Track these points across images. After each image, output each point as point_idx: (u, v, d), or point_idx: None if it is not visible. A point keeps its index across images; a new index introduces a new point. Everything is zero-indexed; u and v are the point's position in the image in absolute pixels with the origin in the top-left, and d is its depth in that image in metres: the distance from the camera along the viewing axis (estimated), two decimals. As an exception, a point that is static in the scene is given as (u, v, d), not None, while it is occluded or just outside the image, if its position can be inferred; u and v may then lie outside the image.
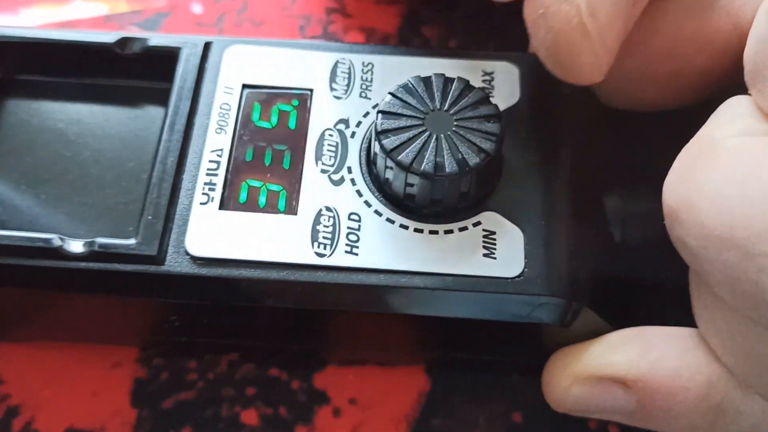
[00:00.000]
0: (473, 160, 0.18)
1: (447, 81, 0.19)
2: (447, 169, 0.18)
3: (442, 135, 0.19)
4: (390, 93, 0.19)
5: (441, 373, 0.23)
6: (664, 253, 0.19)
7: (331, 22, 0.29)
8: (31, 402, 0.22)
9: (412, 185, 0.19)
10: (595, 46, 0.18)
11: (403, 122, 0.19)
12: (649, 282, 0.21)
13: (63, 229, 0.19)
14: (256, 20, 0.29)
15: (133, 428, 0.22)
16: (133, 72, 0.22)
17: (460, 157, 0.18)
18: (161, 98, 0.21)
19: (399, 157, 0.18)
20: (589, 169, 0.21)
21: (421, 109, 0.19)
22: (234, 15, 0.29)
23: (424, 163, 0.18)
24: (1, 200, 0.20)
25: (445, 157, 0.18)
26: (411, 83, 0.19)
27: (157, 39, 0.21)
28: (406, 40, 0.29)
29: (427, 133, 0.19)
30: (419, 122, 0.19)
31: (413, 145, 0.19)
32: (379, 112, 0.19)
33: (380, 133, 0.19)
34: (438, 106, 0.19)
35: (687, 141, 0.18)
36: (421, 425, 0.22)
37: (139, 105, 0.22)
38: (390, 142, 0.19)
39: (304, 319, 0.20)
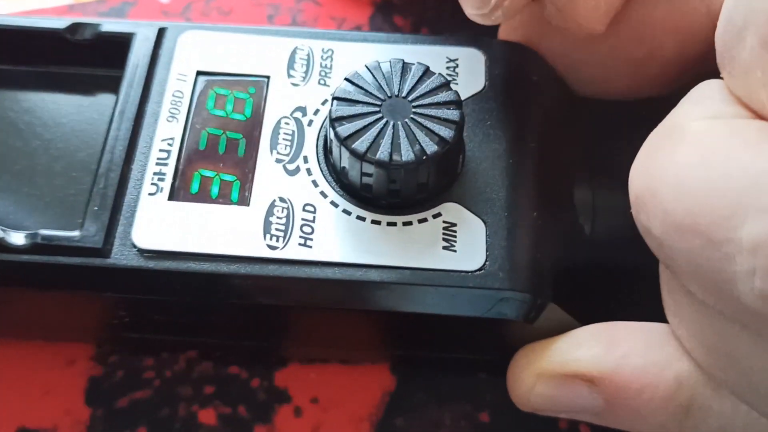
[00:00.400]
0: (431, 148, 0.18)
1: (405, 66, 0.19)
2: (403, 158, 0.18)
3: (399, 122, 0.18)
4: (346, 79, 0.19)
5: (406, 372, 0.22)
6: (634, 246, 0.18)
7: (301, 10, 0.29)
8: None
9: (368, 174, 0.18)
10: None
11: (359, 109, 0.18)
12: (620, 276, 0.21)
13: (8, 221, 0.19)
14: (224, 9, 0.29)
15: (87, 428, 0.21)
16: (84, 59, 0.21)
17: (417, 145, 0.18)
18: (114, 86, 0.21)
19: (353, 146, 0.18)
20: (558, 160, 0.21)
21: (378, 95, 0.18)
22: (201, 4, 0.29)
23: (380, 152, 0.18)
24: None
25: (402, 145, 0.18)
26: (369, 68, 0.19)
27: (109, 25, 0.21)
28: (378, 29, 0.29)
29: (384, 121, 0.18)
30: (376, 109, 0.18)
31: (368, 133, 0.18)
32: (334, 98, 0.19)
33: (335, 120, 0.18)
34: (396, 93, 0.18)
35: (660, 131, 0.17)
36: (385, 425, 0.21)
37: (91, 93, 0.21)
38: (344, 129, 0.18)
39: (260, 315, 0.19)
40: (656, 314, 0.18)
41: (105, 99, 0.21)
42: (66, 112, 0.21)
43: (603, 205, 0.21)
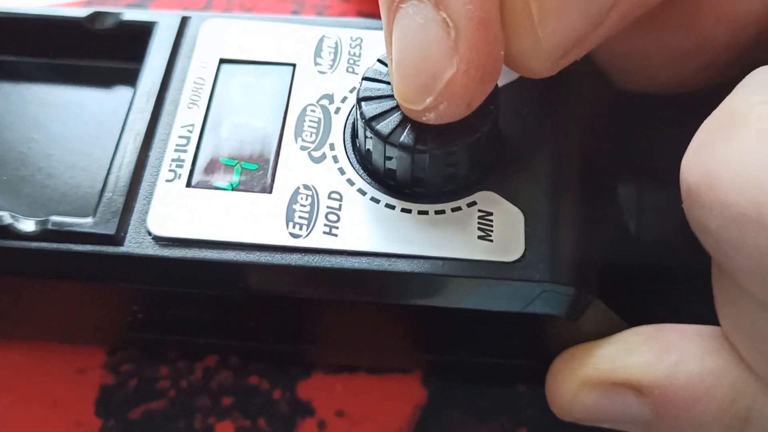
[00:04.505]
0: (460, 136, 0.18)
1: None
2: (428, 144, 0.18)
3: None
4: (378, 60, 0.19)
5: (438, 383, 0.22)
6: (683, 244, 0.18)
7: (327, 6, 0.29)
8: (-13, 408, 0.22)
9: (391, 159, 0.18)
10: (536, 31, 0.17)
11: (388, 90, 0.18)
12: (668, 275, 0.21)
13: (23, 209, 0.19)
14: (246, 5, 0.29)
15: (97, 440, 0.21)
16: (105, 50, 0.22)
17: (445, 132, 0.18)
18: (134, 79, 0.21)
19: (377, 127, 0.18)
20: (599, 153, 0.21)
21: None
22: (224, 0, 0.30)
23: (404, 135, 0.18)
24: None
25: (429, 130, 0.18)
26: None
27: (131, 13, 0.21)
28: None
29: None
30: None
31: (395, 115, 0.18)
32: (363, 78, 0.19)
33: (362, 100, 0.18)
34: None
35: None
36: (416, 441, 0.21)
37: (111, 86, 0.22)
38: (370, 109, 0.18)
39: (281, 310, 0.19)
40: (706, 316, 0.18)
41: (125, 91, 0.22)
42: (85, 104, 0.22)
43: (648, 202, 0.21)
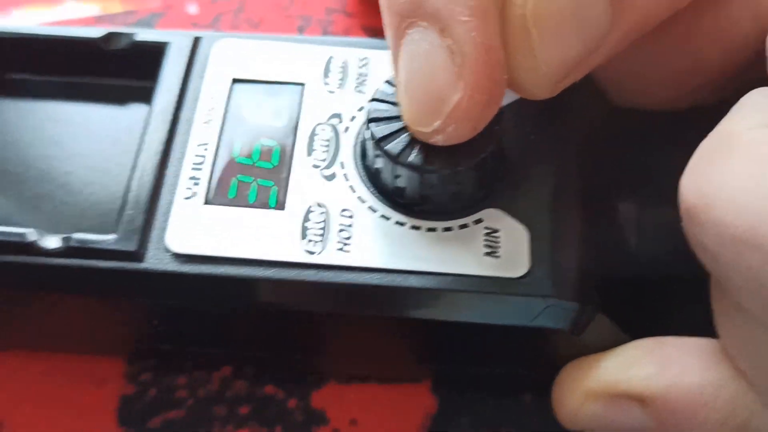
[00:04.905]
0: (467, 157, 0.19)
1: None
2: (436, 164, 0.18)
3: None
4: (386, 81, 0.20)
5: (448, 392, 0.22)
6: (683, 258, 0.19)
7: (332, 22, 0.30)
8: (11, 419, 0.22)
9: (400, 177, 0.19)
10: (536, 55, 0.17)
11: (396, 111, 0.19)
12: (668, 288, 0.21)
13: (43, 226, 0.20)
14: (253, 20, 0.30)
15: (119, 448, 0.22)
16: (119, 69, 0.22)
17: (452, 152, 0.19)
18: (148, 97, 0.22)
19: (387, 147, 0.19)
20: (599, 169, 0.21)
21: None
22: (231, 15, 0.30)
23: (413, 155, 0.19)
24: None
25: (436, 150, 0.19)
26: None
27: (144, 34, 0.22)
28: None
29: None
30: None
31: (404, 136, 0.19)
32: (372, 99, 0.20)
33: (371, 120, 0.19)
34: None
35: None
36: (426, 447, 0.22)
37: (125, 104, 0.23)
38: (380, 130, 0.19)
39: (296, 324, 0.20)
40: (706, 328, 0.18)
41: (138, 110, 0.23)
42: (100, 122, 0.22)
43: (648, 218, 0.21)
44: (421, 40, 0.17)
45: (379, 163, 0.19)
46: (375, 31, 0.30)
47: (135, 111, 0.23)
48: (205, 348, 0.21)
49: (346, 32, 0.30)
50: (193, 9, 0.30)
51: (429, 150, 0.19)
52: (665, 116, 0.22)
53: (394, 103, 0.19)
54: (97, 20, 0.30)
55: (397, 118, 0.19)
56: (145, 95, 0.22)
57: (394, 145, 0.19)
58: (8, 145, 0.22)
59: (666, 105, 0.22)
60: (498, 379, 0.22)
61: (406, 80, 0.18)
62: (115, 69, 0.22)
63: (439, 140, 0.18)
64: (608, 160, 0.22)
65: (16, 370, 0.23)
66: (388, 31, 0.18)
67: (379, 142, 0.19)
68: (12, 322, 0.21)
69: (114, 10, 0.30)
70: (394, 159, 0.19)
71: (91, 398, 0.22)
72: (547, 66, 0.18)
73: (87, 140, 0.22)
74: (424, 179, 0.19)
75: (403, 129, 0.19)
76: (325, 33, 0.30)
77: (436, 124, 0.18)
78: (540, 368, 0.21)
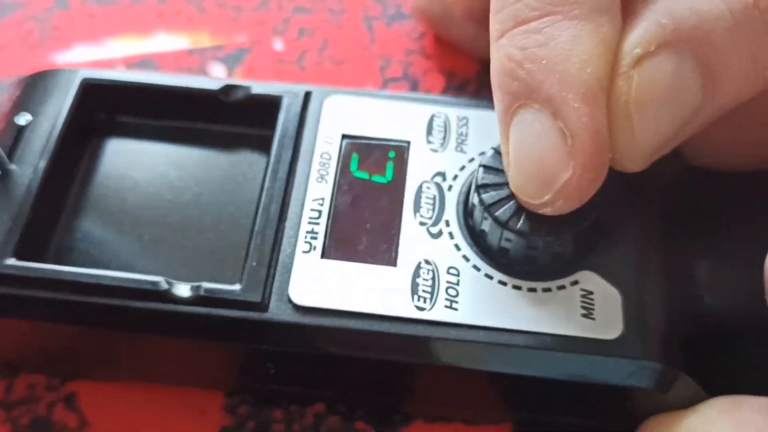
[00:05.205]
0: (571, 225, 0.20)
1: None
2: (542, 231, 0.20)
3: None
4: (493, 148, 0.21)
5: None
6: (755, 318, 0.20)
7: (411, 63, 0.32)
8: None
9: (508, 241, 0.20)
10: (635, 135, 0.19)
11: (503, 178, 0.21)
12: (745, 345, 0.23)
13: (163, 271, 0.21)
14: (336, 59, 0.31)
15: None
16: (234, 118, 0.24)
17: (557, 220, 0.20)
18: (260, 145, 0.23)
19: (497, 213, 0.20)
20: (678, 229, 0.23)
21: None
22: (315, 53, 0.32)
23: (521, 223, 0.20)
24: (104, 240, 0.23)
25: (542, 218, 0.20)
26: None
27: (259, 87, 0.24)
28: (484, 84, 0.31)
29: None
30: None
31: (511, 203, 0.20)
32: (481, 165, 0.21)
33: (480, 187, 0.21)
34: None
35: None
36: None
37: (239, 151, 0.24)
38: (489, 197, 0.20)
39: (400, 372, 0.21)
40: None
41: (251, 157, 0.24)
42: (215, 168, 0.24)
43: (722, 277, 0.23)
44: (534, 121, 0.19)
45: (486, 226, 0.21)
46: (452, 74, 0.31)
47: (248, 158, 0.24)
48: (307, 389, 0.23)
49: (425, 73, 0.31)
50: (278, 45, 0.32)
51: (535, 216, 0.20)
52: (738, 177, 0.24)
53: (500, 170, 0.21)
54: (189, 54, 0.31)
55: (504, 185, 0.20)
56: (258, 143, 0.24)
57: (503, 212, 0.20)
58: (128, 188, 0.24)
59: (741, 168, 0.24)
60: (576, 429, 0.23)
61: (516, 156, 0.19)
62: (230, 117, 0.24)
63: (547, 211, 0.20)
64: (687, 219, 0.23)
65: (121, 399, 0.24)
66: (499, 108, 0.20)
67: (489, 207, 0.20)
68: (126, 360, 0.23)
69: (203, 44, 0.32)
70: (504, 225, 0.20)
71: (193, 428, 0.24)
72: (644, 145, 0.19)
73: (202, 185, 0.24)
74: (530, 245, 0.20)
75: (510, 197, 0.20)
76: (405, 74, 0.31)
77: (546, 197, 0.19)
78: (619, 421, 0.22)
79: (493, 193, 0.21)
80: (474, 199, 0.21)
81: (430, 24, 0.31)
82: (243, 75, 0.31)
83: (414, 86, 0.31)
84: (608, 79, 0.19)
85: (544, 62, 0.18)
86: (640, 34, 0.19)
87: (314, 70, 0.31)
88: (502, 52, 0.19)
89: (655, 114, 0.19)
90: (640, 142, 0.19)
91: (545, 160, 0.19)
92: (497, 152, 0.21)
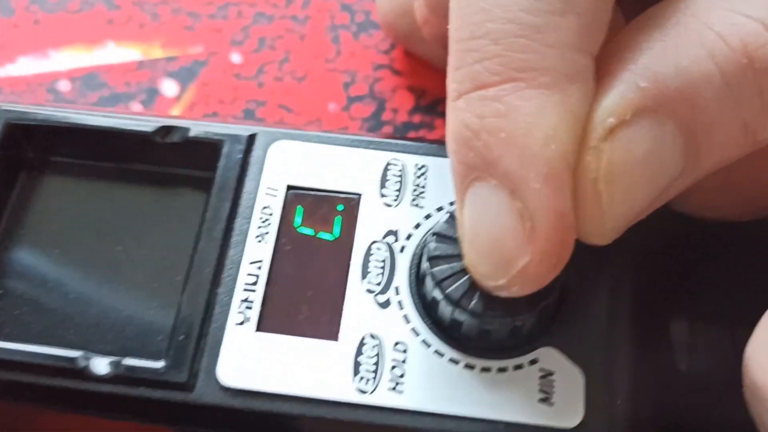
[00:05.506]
0: (530, 304, 0.18)
1: None
2: (497, 311, 0.18)
3: None
4: (448, 212, 0.19)
5: None
6: (733, 388, 0.18)
7: (379, 79, 0.29)
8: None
9: (459, 317, 0.18)
10: (604, 212, 0.17)
11: (458, 248, 0.19)
12: (716, 419, 0.21)
13: (87, 339, 0.19)
14: (297, 74, 0.29)
15: None
16: (171, 159, 0.22)
17: (514, 300, 0.18)
18: (201, 186, 0.21)
19: (448, 291, 0.18)
20: (655, 290, 0.21)
21: None
22: (275, 66, 0.29)
23: (474, 302, 0.18)
24: (23, 300, 0.21)
25: (497, 297, 0.18)
26: None
27: (198, 128, 0.21)
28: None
29: None
30: None
31: (465, 277, 0.18)
32: (434, 233, 0.19)
33: (432, 259, 0.19)
34: None
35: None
36: None
37: (177, 193, 0.22)
38: (441, 271, 0.19)
39: None
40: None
41: (191, 200, 0.22)
42: (151, 212, 0.22)
43: (701, 340, 0.21)
44: (490, 197, 0.17)
45: (437, 298, 0.19)
46: (422, 92, 0.29)
47: (187, 201, 0.22)
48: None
49: (393, 91, 0.29)
50: (236, 58, 0.29)
51: (490, 295, 0.18)
52: (723, 227, 0.22)
53: (454, 238, 0.19)
54: (139, 66, 0.29)
55: (458, 257, 0.18)
56: (199, 184, 0.22)
57: (455, 290, 0.18)
58: (51, 234, 0.22)
59: (730, 218, 0.22)
60: None
61: (471, 234, 0.17)
62: (167, 159, 0.22)
63: (502, 294, 0.18)
64: (663, 274, 0.21)
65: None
66: (454, 176, 0.18)
67: (440, 283, 0.18)
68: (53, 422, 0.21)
69: (155, 55, 0.29)
70: (456, 303, 0.18)
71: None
72: (614, 222, 0.17)
73: (136, 234, 0.22)
74: (483, 325, 0.18)
75: (464, 271, 0.18)
76: (372, 91, 0.29)
77: (501, 281, 0.17)
78: None
79: (445, 266, 0.19)
80: (424, 265, 0.19)
81: (399, 40, 0.29)
82: (196, 92, 0.29)
83: (380, 106, 0.29)
84: (575, 155, 0.17)
85: (502, 135, 0.16)
86: (614, 101, 0.17)
87: (273, 87, 0.29)
88: (459, 117, 0.17)
89: (628, 189, 0.17)
90: (609, 220, 0.17)
91: (501, 242, 0.17)
92: (452, 217, 0.19)
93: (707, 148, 0.17)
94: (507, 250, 0.17)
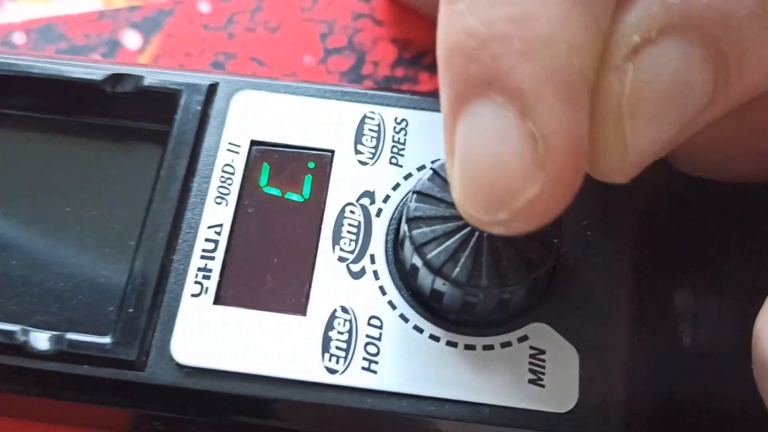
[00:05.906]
0: (517, 274, 0.16)
1: None
2: (483, 281, 0.16)
3: (485, 235, 0.16)
4: (432, 168, 0.17)
5: None
6: (740, 363, 0.17)
7: (358, 30, 0.27)
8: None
9: (441, 287, 0.17)
10: (626, 143, 0.15)
11: (441, 210, 0.17)
12: (721, 399, 0.19)
13: (30, 311, 0.17)
14: (271, 24, 0.27)
15: None
16: (124, 111, 0.20)
17: (502, 267, 0.16)
18: (157, 141, 0.19)
19: (429, 256, 0.16)
20: (656, 258, 0.19)
21: None
22: (246, 16, 0.27)
23: (457, 270, 0.16)
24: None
25: (484, 264, 0.16)
26: None
27: (153, 77, 0.19)
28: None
29: (468, 230, 0.16)
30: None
31: (448, 242, 0.16)
32: (414, 192, 0.17)
33: (411, 220, 0.17)
34: None
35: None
36: None
37: (131, 149, 0.20)
38: (421, 234, 0.16)
39: None
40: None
41: (146, 156, 0.19)
42: (104, 169, 0.20)
43: (707, 313, 0.19)
44: (493, 118, 0.14)
45: (417, 266, 0.17)
46: (406, 43, 0.27)
47: (142, 157, 0.20)
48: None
49: (374, 43, 0.27)
50: (204, 7, 0.27)
51: (476, 263, 0.16)
52: (731, 187, 0.20)
53: (438, 198, 0.17)
54: (99, 16, 0.27)
55: (442, 219, 0.16)
56: (155, 138, 0.19)
57: (436, 256, 0.16)
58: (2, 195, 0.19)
59: (742, 179, 0.20)
60: None
61: (464, 161, 0.15)
62: (120, 111, 0.20)
63: (498, 231, 0.15)
64: (668, 242, 0.19)
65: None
66: (446, 96, 0.15)
67: (420, 248, 0.16)
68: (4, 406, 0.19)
69: (117, 4, 0.27)
70: (436, 271, 0.16)
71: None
72: (636, 154, 0.15)
73: (88, 193, 0.19)
74: (467, 295, 0.16)
75: (449, 234, 0.16)
76: (351, 43, 0.27)
77: (501, 216, 0.15)
78: None
79: (426, 229, 0.17)
80: (403, 227, 0.17)
81: None
82: (160, 44, 0.26)
83: (360, 59, 0.26)
84: (595, 74, 0.14)
85: (517, 45, 0.14)
86: (638, 16, 0.14)
87: (244, 38, 0.27)
88: (459, 23, 0.14)
89: (653, 117, 0.15)
90: (631, 151, 0.15)
91: (505, 169, 0.14)
92: (436, 173, 0.17)
93: (739, 75, 0.15)
94: (512, 179, 0.14)
